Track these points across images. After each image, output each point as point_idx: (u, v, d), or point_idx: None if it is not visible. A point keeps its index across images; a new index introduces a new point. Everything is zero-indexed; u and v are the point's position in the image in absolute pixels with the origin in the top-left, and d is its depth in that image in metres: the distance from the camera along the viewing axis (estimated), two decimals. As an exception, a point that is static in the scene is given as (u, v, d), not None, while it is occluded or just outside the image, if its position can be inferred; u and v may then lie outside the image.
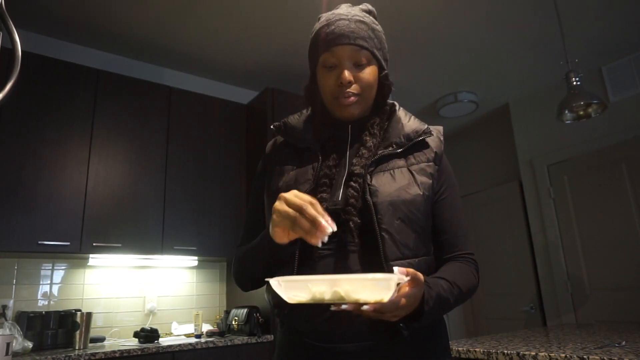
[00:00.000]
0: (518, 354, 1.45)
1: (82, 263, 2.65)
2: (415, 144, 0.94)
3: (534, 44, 3.10)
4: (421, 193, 0.88)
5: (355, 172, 0.88)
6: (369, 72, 0.92)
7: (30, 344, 2.13)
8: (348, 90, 0.90)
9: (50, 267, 2.56)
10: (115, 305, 2.71)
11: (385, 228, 0.83)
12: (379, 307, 0.65)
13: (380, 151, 0.91)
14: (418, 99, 3.86)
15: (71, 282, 2.60)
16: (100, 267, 2.70)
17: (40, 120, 2.38)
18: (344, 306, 0.64)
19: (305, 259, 0.85)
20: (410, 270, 0.70)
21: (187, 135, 2.88)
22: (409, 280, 0.69)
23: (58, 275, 2.57)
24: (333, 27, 0.92)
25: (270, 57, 3.13)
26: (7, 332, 2.03)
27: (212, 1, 2.54)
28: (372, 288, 0.63)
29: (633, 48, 3.20)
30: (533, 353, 1.42)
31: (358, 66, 0.91)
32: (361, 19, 0.93)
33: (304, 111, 1.05)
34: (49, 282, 2.54)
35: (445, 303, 0.81)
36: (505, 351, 1.50)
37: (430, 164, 0.93)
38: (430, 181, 0.91)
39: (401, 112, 1.01)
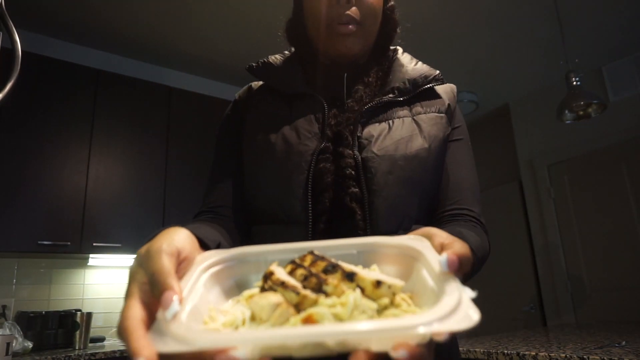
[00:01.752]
0: (518, 354, 1.45)
1: (82, 263, 2.65)
2: (423, 94, 0.77)
3: (534, 44, 3.10)
4: (427, 146, 0.70)
5: (344, 132, 0.70)
6: None
7: (30, 344, 2.13)
8: (347, 12, 0.71)
9: (50, 267, 2.56)
10: (115, 305, 2.71)
11: (377, 190, 0.66)
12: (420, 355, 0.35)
13: (377, 99, 0.73)
14: (418, 99, 3.86)
15: (71, 282, 2.60)
16: (100, 267, 2.70)
17: (40, 120, 2.38)
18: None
19: None
20: (455, 257, 0.42)
21: (187, 135, 2.88)
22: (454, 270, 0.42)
23: (58, 275, 2.57)
24: None
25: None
26: (7, 332, 2.03)
27: (212, 1, 2.54)
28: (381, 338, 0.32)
29: (633, 48, 3.20)
30: (533, 353, 1.42)
31: None
32: None
33: (286, 52, 0.87)
34: (49, 282, 2.54)
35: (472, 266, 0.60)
36: (505, 351, 1.50)
37: (442, 115, 0.76)
38: (441, 135, 0.73)
39: (406, 56, 0.84)
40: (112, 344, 2.44)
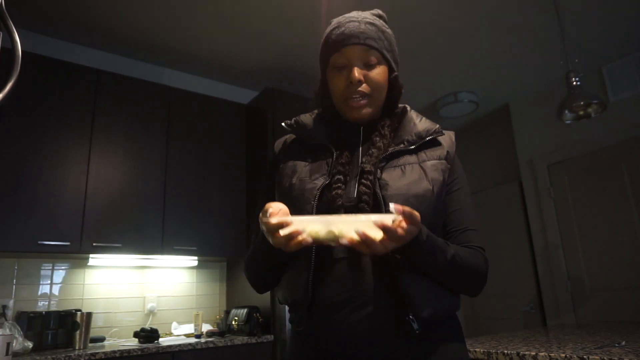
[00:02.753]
0: (518, 354, 1.45)
1: (82, 263, 2.65)
2: (426, 143, 0.95)
3: (534, 44, 3.10)
4: (431, 188, 0.88)
5: (366, 169, 0.89)
6: (379, 72, 0.93)
7: (30, 344, 2.13)
8: (359, 89, 0.92)
9: (50, 267, 2.56)
10: (115, 305, 2.71)
11: None
12: (371, 242, 0.70)
13: (392, 148, 0.92)
14: (418, 99, 3.86)
15: (71, 282, 2.60)
16: (100, 267, 2.70)
17: (40, 120, 2.38)
18: (342, 241, 0.70)
19: (321, 262, 0.86)
20: (407, 208, 0.73)
21: (187, 135, 2.88)
22: (404, 218, 0.72)
23: (58, 275, 2.57)
24: (343, 28, 0.93)
25: (270, 57, 3.13)
26: (7, 332, 2.03)
27: (212, 1, 2.54)
28: (351, 224, 0.71)
29: (633, 48, 3.20)
30: (533, 353, 1.42)
31: (368, 66, 0.92)
32: (371, 21, 0.95)
33: (315, 111, 1.06)
34: (49, 282, 2.54)
35: (440, 253, 0.82)
36: (505, 351, 1.50)
37: (442, 161, 0.94)
38: (442, 178, 0.91)
39: (413, 114, 1.02)
40: (112, 344, 2.44)
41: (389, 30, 0.98)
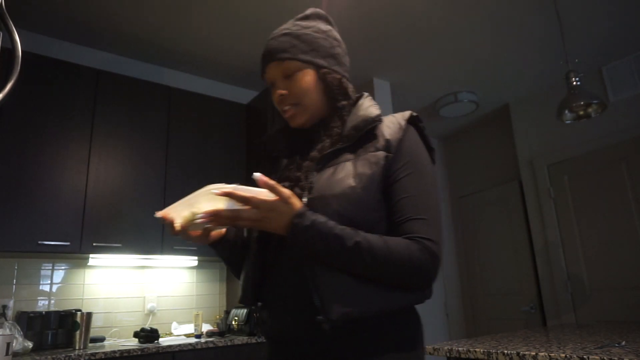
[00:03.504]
0: (518, 354, 1.45)
1: (82, 263, 2.65)
2: (367, 136, 0.90)
3: (533, 44, 3.10)
4: (354, 185, 0.83)
5: (299, 177, 0.91)
6: (299, 79, 0.93)
7: (30, 344, 2.13)
8: (287, 102, 0.95)
9: (50, 267, 2.56)
10: (115, 305, 2.71)
11: None
12: (217, 213, 0.74)
13: (330, 148, 0.91)
14: (418, 99, 3.86)
15: (71, 282, 2.60)
16: (100, 267, 2.70)
17: (40, 120, 2.38)
18: (197, 220, 0.75)
19: (263, 264, 0.93)
20: (271, 181, 0.75)
21: (187, 135, 2.88)
22: (268, 190, 0.75)
23: (58, 275, 2.57)
24: (263, 50, 0.98)
25: (270, 57, 3.13)
26: (7, 332, 2.03)
27: (212, 1, 2.54)
28: (211, 199, 0.74)
29: (633, 48, 3.20)
30: (533, 353, 1.42)
31: (288, 77, 0.94)
32: (286, 31, 0.95)
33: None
34: (49, 282, 2.54)
35: (334, 239, 0.77)
36: (505, 351, 1.50)
37: (379, 153, 0.87)
38: (371, 171, 0.85)
39: (363, 102, 0.97)
40: (112, 344, 2.44)
41: (308, 31, 0.96)
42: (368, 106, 0.95)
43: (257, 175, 0.74)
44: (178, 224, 0.77)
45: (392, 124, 0.92)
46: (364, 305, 0.79)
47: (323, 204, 0.82)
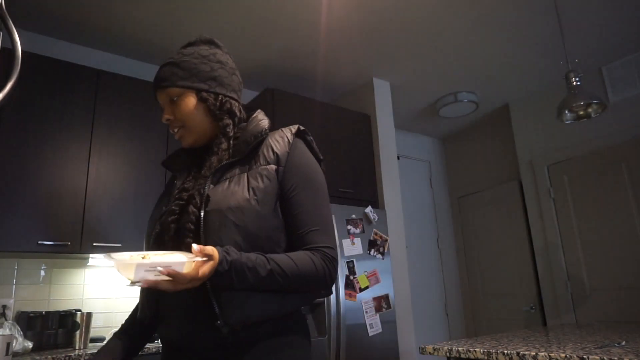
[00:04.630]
0: (518, 354, 1.45)
1: (82, 263, 2.65)
2: (256, 149, 0.98)
3: (533, 44, 3.10)
4: (248, 197, 0.89)
5: (193, 194, 0.94)
6: (182, 104, 0.99)
7: (30, 344, 2.13)
8: (174, 125, 1.01)
9: (50, 267, 2.56)
10: (115, 305, 2.71)
11: (212, 234, 0.87)
12: (175, 280, 0.72)
13: (220, 164, 0.96)
14: (418, 99, 3.86)
15: (71, 282, 2.60)
16: (100, 267, 2.70)
17: (40, 120, 2.38)
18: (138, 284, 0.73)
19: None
20: (208, 248, 0.76)
21: (187, 135, 2.87)
22: (202, 260, 0.75)
23: (58, 275, 2.57)
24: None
25: (270, 58, 3.13)
26: (7, 332, 2.03)
27: (212, 2, 2.54)
28: (126, 268, 0.72)
29: (633, 48, 3.20)
30: (533, 353, 1.42)
31: (172, 102, 1.00)
32: (169, 60, 1.02)
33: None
34: (49, 282, 2.54)
35: (251, 272, 0.82)
36: (505, 351, 1.50)
37: (270, 166, 0.94)
38: (264, 185, 0.92)
39: (255, 118, 1.04)
40: (112, 344, 2.44)
41: (187, 58, 1.01)
42: (259, 120, 1.02)
43: (195, 246, 0.75)
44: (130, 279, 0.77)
45: (280, 139, 0.99)
46: (261, 309, 0.86)
47: (220, 217, 0.86)
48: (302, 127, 1.02)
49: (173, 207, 0.95)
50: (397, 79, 3.54)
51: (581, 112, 2.34)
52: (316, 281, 0.89)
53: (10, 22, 0.72)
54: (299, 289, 0.89)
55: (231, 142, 1.00)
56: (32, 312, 2.31)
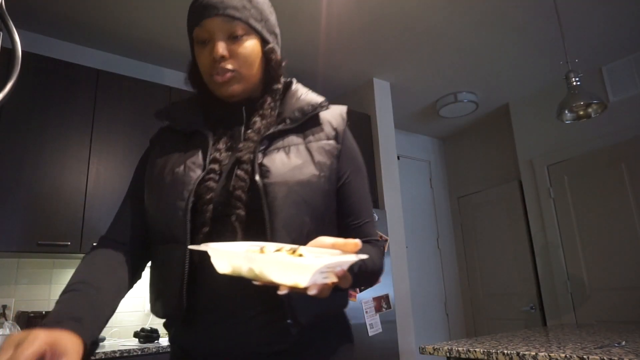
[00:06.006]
0: (518, 354, 1.45)
1: (82, 263, 2.64)
2: (313, 121, 0.86)
3: (534, 44, 3.10)
4: (317, 173, 0.79)
5: (243, 158, 0.78)
6: (247, 46, 0.82)
7: (30, 344, 2.13)
8: (222, 65, 0.80)
9: (50, 267, 2.56)
10: (115, 305, 2.71)
11: (276, 212, 0.74)
12: (339, 283, 0.58)
13: (273, 128, 0.82)
14: (418, 99, 3.86)
15: (71, 282, 2.60)
16: (100, 267, 2.70)
17: (40, 120, 2.38)
18: (255, 282, 0.56)
19: (194, 269, 0.77)
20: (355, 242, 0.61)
21: (187, 135, 2.88)
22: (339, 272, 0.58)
23: (58, 275, 2.57)
24: (201, 1, 0.82)
25: (270, 57, 3.13)
26: (7, 332, 2.03)
27: (212, 1, 2.54)
28: (287, 270, 0.54)
29: (633, 48, 3.20)
30: (533, 353, 1.42)
31: (233, 39, 0.81)
32: None
33: (193, 96, 0.95)
34: (49, 282, 2.54)
35: (362, 277, 0.77)
36: (505, 351, 1.50)
37: (331, 142, 0.84)
38: (329, 161, 0.82)
39: (298, 87, 0.92)
40: (112, 344, 2.44)
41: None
42: (306, 91, 0.90)
43: (359, 241, 0.60)
44: (227, 270, 0.59)
45: (334, 114, 0.89)
46: (331, 305, 0.79)
47: (287, 192, 0.75)
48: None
49: (212, 175, 0.78)
50: (397, 79, 3.54)
51: (581, 112, 2.34)
52: (377, 277, 0.83)
53: (10, 22, 0.72)
54: (364, 284, 0.83)
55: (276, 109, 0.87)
56: (32, 312, 2.30)
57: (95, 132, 2.54)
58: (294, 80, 0.94)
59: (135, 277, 0.90)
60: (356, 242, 0.59)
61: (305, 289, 0.53)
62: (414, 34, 2.93)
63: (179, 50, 3.02)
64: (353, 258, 0.57)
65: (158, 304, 0.81)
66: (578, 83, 2.20)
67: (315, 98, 0.87)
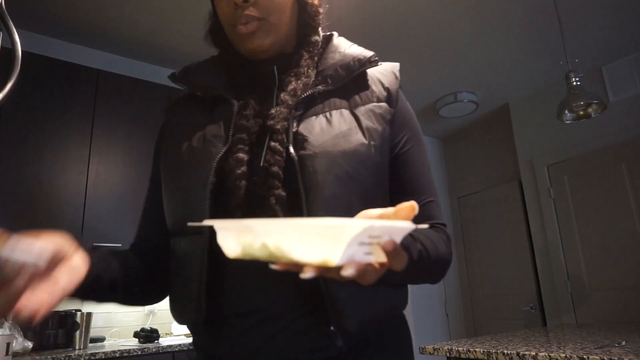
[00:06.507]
0: (518, 354, 1.45)
1: (82, 263, 2.64)
2: (359, 80, 0.72)
3: (533, 44, 3.10)
4: (366, 142, 0.65)
5: (277, 126, 0.64)
6: None
7: (30, 344, 2.13)
8: (246, 12, 0.66)
9: (50, 267, 2.55)
10: (115, 305, 2.71)
11: (316, 189, 0.60)
12: (390, 263, 0.41)
13: (311, 89, 0.68)
14: (418, 99, 3.86)
15: (71, 282, 2.60)
16: (100, 267, 2.70)
17: (40, 120, 2.38)
18: (273, 266, 0.40)
19: (215, 268, 0.63)
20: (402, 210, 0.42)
21: (187, 135, 2.88)
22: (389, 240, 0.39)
23: (58, 275, 2.57)
24: None
25: (270, 57, 3.14)
26: (7, 332, 2.03)
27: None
28: (311, 239, 0.37)
29: (633, 48, 3.20)
30: (533, 353, 1.42)
31: None
32: None
33: (213, 56, 0.82)
34: (49, 282, 2.53)
35: (422, 265, 0.62)
36: (505, 351, 1.50)
37: (382, 104, 0.70)
38: (381, 128, 0.68)
39: (340, 40, 0.77)
40: (112, 344, 2.44)
41: None
42: (350, 45, 0.76)
43: (415, 204, 0.41)
44: (238, 254, 0.43)
45: (385, 72, 0.75)
46: (384, 308, 0.65)
47: (328, 163, 0.61)
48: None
49: (240, 146, 0.64)
50: (397, 79, 3.54)
51: (581, 112, 2.34)
52: (444, 267, 0.67)
53: (10, 22, 0.73)
54: (425, 277, 0.67)
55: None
56: (32, 312, 2.30)
57: (95, 132, 2.54)
58: (335, 34, 0.79)
59: (158, 280, 0.75)
60: (412, 205, 0.41)
61: (338, 269, 0.37)
62: (414, 34, 2.93)
63: (179, 50, 3.02)
64: (408, 225, 0.39)
65: (174, 308, 0.68)
66: (578, 83, 2.20)
67: (363, 52, 0.73)
